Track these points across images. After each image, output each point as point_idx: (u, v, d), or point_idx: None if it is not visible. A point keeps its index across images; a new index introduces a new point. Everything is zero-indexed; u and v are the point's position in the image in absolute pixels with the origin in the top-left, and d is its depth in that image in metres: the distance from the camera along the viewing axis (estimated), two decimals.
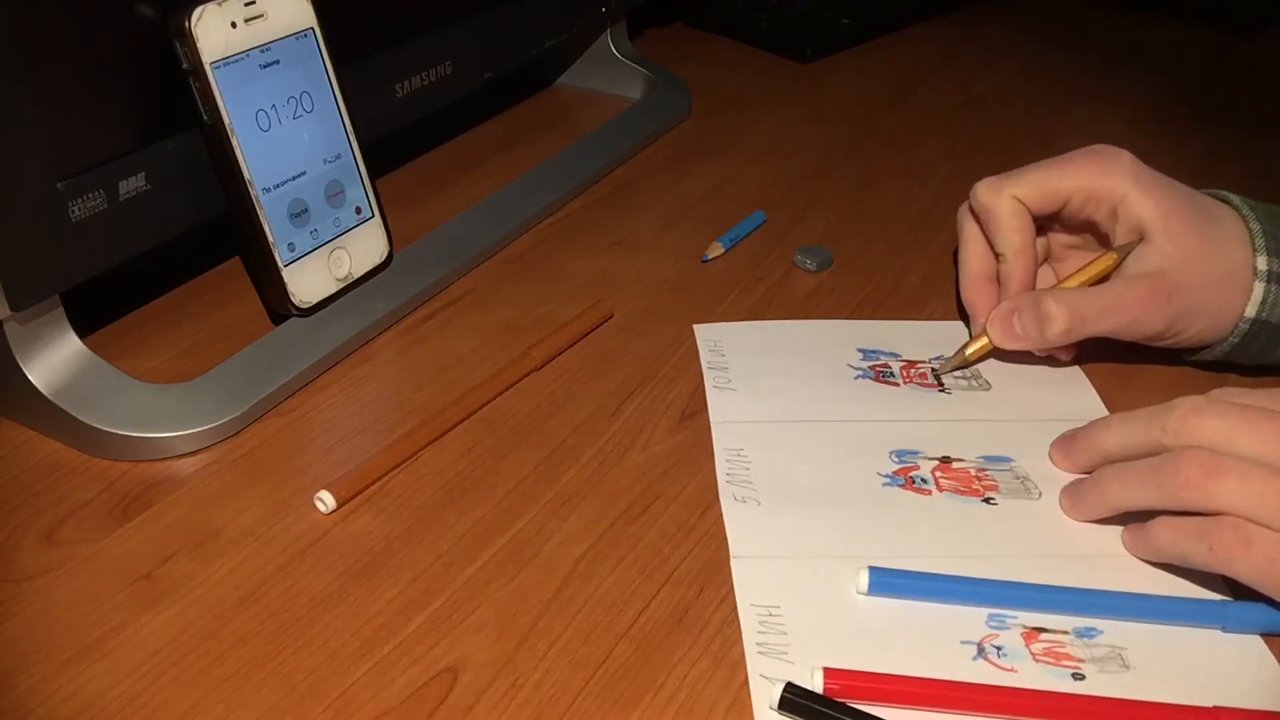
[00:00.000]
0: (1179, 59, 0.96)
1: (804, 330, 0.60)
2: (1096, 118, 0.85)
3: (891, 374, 0.56)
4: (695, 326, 0.60)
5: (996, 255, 0.56)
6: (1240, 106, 0.88)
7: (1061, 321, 0.52)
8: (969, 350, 0.56)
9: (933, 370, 0.57)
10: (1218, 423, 0.42)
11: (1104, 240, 0.56)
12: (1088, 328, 0.53)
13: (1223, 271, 0.52)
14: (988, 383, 0.56)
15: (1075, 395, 0.55)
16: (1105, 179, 0.53)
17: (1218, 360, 0.56)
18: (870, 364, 0.57)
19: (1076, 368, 0.57)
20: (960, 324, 0.61)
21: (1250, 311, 0.53)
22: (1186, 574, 0.45)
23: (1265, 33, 1.01)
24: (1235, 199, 0.55)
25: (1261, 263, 0.52)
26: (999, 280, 0.57)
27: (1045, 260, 0.59)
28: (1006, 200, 0.55)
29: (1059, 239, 0.59)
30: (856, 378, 0.56)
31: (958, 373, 0.57)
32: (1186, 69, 0.95)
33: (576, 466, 0.50)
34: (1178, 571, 0.45)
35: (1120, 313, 0.52)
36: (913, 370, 0.57)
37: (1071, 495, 0.48)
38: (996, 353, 0.56)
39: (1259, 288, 0.52)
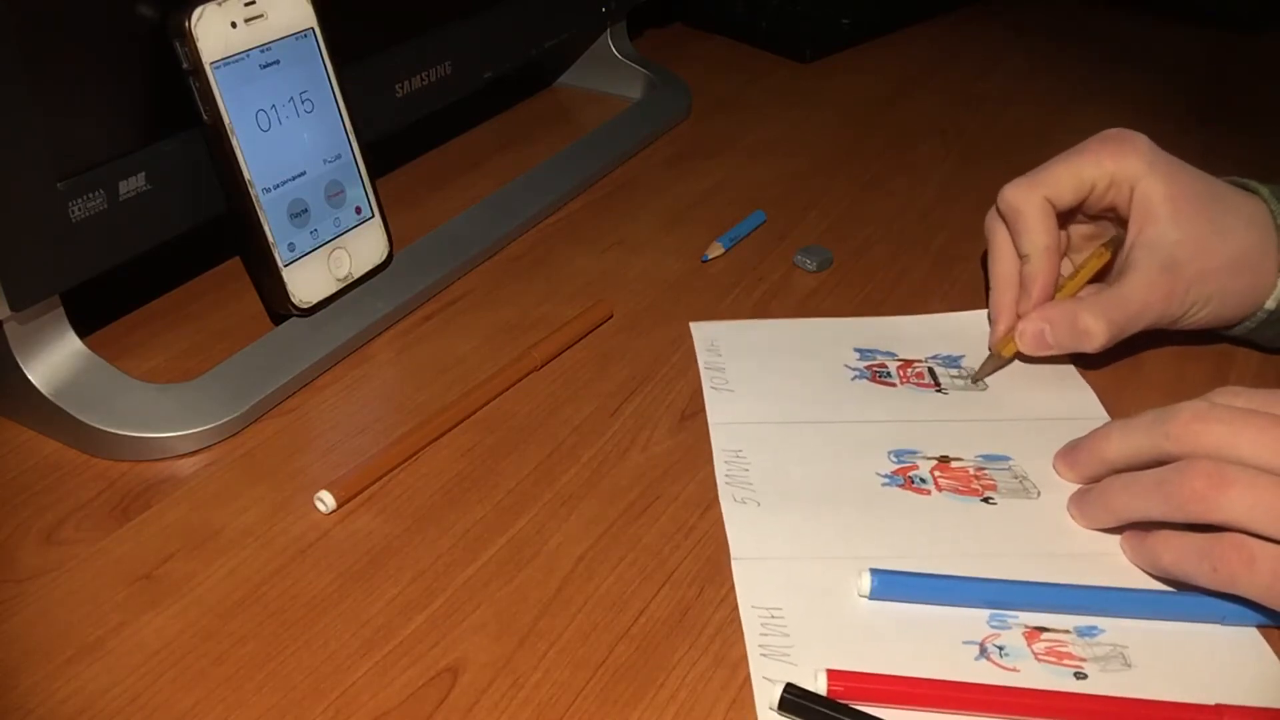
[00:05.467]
0: (1179, 59, 0.96)
1: (800, 329, 0.60)
2: (1096, 118, 0.84)
3: (888, 374, 0.56)
4: (692, 325, 0.60)
5: (1020, 256, 0.56)
6: (1240, 106, 0.88)
7: (1101, 335, 0.53)
8: (1004, 352, 0.56)
9: (930, 370, 0.57)
10: (1222, 429, 0.42)
11: (1124, 224, 0.56)
12: (1123, 334, 0.53)
13: (1232, 257, 0.53)
14: (984, 383, 0.56)
15: (1072, 394, 0.55)
16: (1123, 162, 0.54)
17: (1232, 339, 0.57)
18: (867, 364, 0.57)
19: (1073, 367, 0.57)
20: (957, 315, 0.61)
21: (1272, 304, 0.54)
22: None
23: (1265, 33, 1.01)
24: (1264, 190, 0.55)
25: None
26: (1021, 280, 0.56)
27: (1064, 253, 0.59)
28: (1036, 200, 0.55)
29: (1078, 230, 0.59)
30: (853, 379, 0.56)
31: (954, 372, 0.57)
32: (1186, 69, 0.95)
33: (576, 466, 0.50)
34: None
35: (1148, 311, 0.53)
36: (909, 370, 0.57)
37: (1078, 504, 0.48)
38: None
39: None
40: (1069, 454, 0.50)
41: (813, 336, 0.59)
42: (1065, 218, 0.57)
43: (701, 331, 0.59)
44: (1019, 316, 0.56)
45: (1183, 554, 0.43)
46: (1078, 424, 0.51)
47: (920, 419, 0.53)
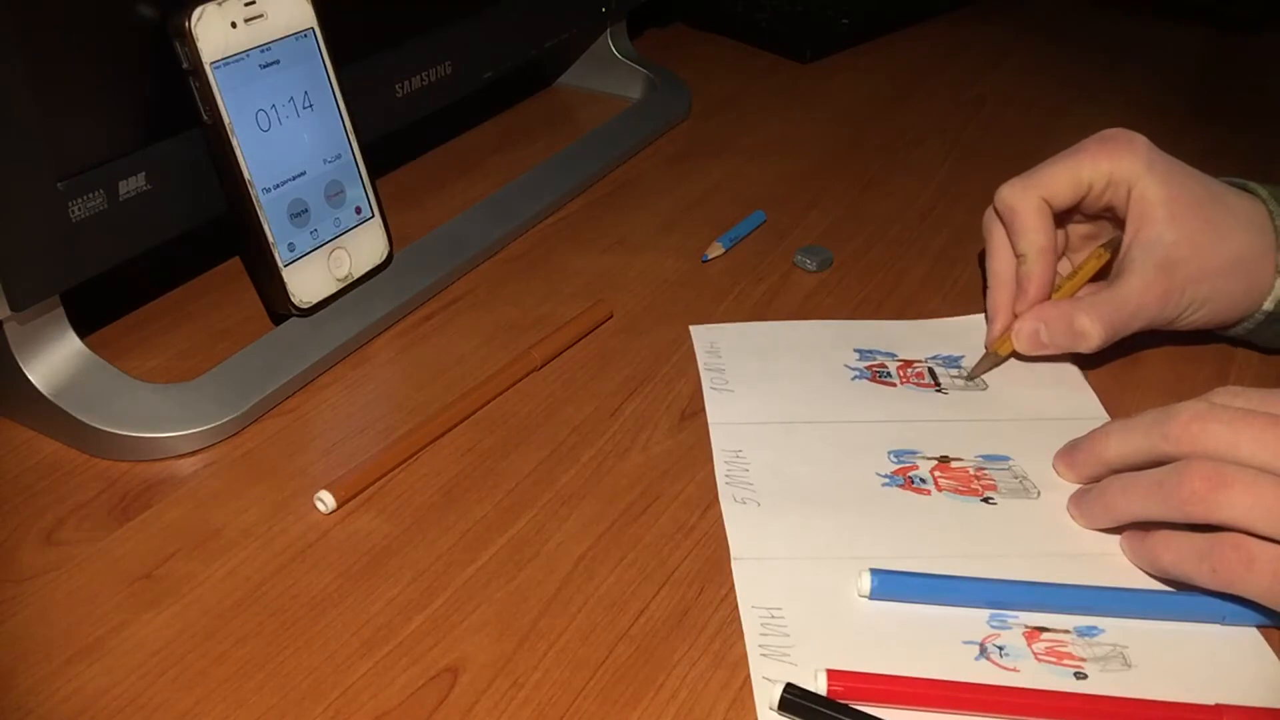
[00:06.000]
0: (1179, 59, 0.96)
1: (800, 331, 0.60)
2: (1096, 118, 0.84)
3: (888, 374, 0.56)
4: (691, 328, 0.60)
5: (1017, 255, 0.56)
6: (1240, 106, 0.88)
7: (1096, 336, 0.53)
8: (1001, 350, 0.56)
9: (930, 370, 0.57)
10: (1221, 429, 0.42)
11: (1122, 225, 0.55)
12: (1118, 335, 0.53)
13: (1229, 259, 0.53)
14: (984, 383, 0.56)
15: (1072, 394, 0.55)
16: (1120, 162, 0.53)
17: (1230, 340, 0.58)
18: (867, 364, 0.57)
19: (1074, 367, 0.57)
20: (956, 320, 0.61)
21: (1269, 306, 0.54)
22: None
23: (1265, 33, 1.01)
24: (1263, 191, 0.55)
25: None
26: (1017, 280, 0.56)
27: (1063, 253, 0.59)
28: (1033, 200, 0.55)
29: (1077, 230, 0.59)
30: (853, 379, 0.56)
31: (954, 372, 0.56)
32: (1186, 69, 0.95)
33: (576, 466, 0.50)
34: None
35: (1144, 312, 0.53)
36: (909, 370, 0.57)
37: (1078, 504, 0.48)
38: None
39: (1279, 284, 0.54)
40: (1068, 454, 0.50)
41: (812, 338, 0.59)
42: (1063, 217, 0.57)
43: (701, 334, 0.59)
44: (1015, 316, 0.56)
45: (1182, 555, 0.43)
46: (1078, 424, 0.51)
47: (920, 419, 0.53)
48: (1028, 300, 0.55)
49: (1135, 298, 0.53)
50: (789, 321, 0.61)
